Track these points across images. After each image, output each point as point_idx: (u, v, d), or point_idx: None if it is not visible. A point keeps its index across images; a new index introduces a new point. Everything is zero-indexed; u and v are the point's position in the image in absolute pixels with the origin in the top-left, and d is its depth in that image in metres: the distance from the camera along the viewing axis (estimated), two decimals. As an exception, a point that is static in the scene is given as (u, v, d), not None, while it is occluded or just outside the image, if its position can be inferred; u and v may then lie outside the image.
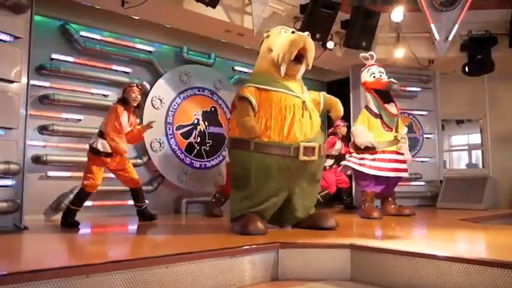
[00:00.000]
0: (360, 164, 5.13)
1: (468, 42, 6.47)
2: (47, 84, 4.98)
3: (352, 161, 5.29)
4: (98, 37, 5.43)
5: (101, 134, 4.23)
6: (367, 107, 5.36)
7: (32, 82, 4.33)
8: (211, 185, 5.98)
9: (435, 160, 7.50)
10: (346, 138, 6.70)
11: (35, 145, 4.81)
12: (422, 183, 7.23)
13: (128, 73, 5.65)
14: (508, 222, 5.22)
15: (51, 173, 4.91)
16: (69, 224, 4.08)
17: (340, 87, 7.83)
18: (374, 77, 5.25)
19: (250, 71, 6.89)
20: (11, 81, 3.87)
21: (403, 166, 5.19)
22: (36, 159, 4.79)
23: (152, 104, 5.77)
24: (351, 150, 5.42)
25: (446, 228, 3.97)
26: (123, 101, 4.33)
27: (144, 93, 4.40)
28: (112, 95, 5.32)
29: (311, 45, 3.66)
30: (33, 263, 2.44)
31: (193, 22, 5.51)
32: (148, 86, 5.77)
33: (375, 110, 5.24)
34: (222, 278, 2.50)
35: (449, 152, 10.04)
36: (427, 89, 7.52)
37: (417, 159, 7.14)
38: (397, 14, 6.28)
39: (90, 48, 5.31)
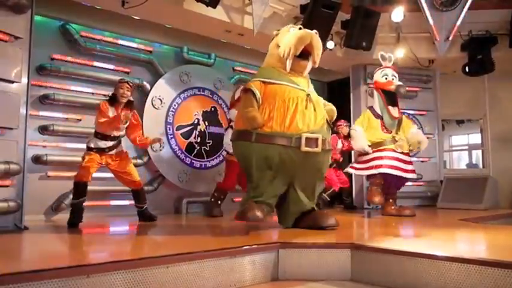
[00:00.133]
0: (376, 166, 5.15)
1: (468, 42, 6.47)
2: (47, 84, 4.99)
3: (358, 168, 5.34)
4: (98, 37, 5.44)
5: (95, 133, 4.28)
6: (371, 107, 5.50)
7: (32, 82, 4.35)
8: (211, 185, 5.97)
9: (435, 160, 7.50)
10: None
11: (35, 145, 4.81)
12: (423, 183, 7.22)
13: (128, 73, 5.65)
14: (509, 222, 5.22)
15: (51, 173, 4.91)
16: (72, 223, 4.06)
17: (340, 87, 7.83)
18: (386, 78, 5.34)
19: (251, 71, 6.94)
20: (11, 81, 3.87)
21: (409, 167, 5.21)
22: (37, 159, 4.79)
23: (152, 104, 5.78)
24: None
25: (447, 229, 3.97)
26: (112, 98, 4.30)
27: (136, 90, 4.32)
28: (112, 95, 5.32)
29: (318, 43, 3.71)
30: (33, 263, 2.44)
31: (194, 22, 5.51)
32: (148, 86, 5.78)
33: (378, 110, 5.36)
34: (223, 278, 2.50)
35: (449, 152, 10.04)
36: (427, 89, 7.51)
37: (417, 159, 7.13)
38: (397, 14, 6.28)
39: (90, 48, 5.31)
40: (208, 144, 6.29)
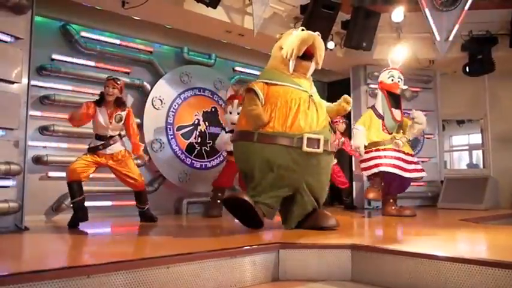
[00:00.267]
0: (376, 165, 5.15)
1: (469, 42, 6.47)
2: (47, 84, 4.99)
3: (366, 167, 5.35)
4: (99, 38, 5.44)
5: (94, 135, 4.30)
6: (373, 107, 5.53)
7: (32, 83, 4.34)
8: (211, 186, 5.97)
9: (436, 160, 7.50)
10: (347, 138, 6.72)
11: (36, 146, 4.81)
12: (423, 183, 7.21)
13: (128, 73, 5.66)
14: (509, 223, 5.21)
15: (51, 174, 4.91)
16: (72, 224, 4.05)
17: (340, 87, 7.81)
18: (392, 80, 5.36)
19: (251, 71, 6.95)
20: (12, 82, 3.87)
21: (411, 167, 5.22)
22: (37, 160, 4.80)
23: (153, 104, 5.78)
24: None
25: (447, 229, 3.97)
26: (100, 99, 4.27)
27: (119, 86, 4.26)
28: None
29: (320, 44, 3.73)
30: (34, 263, 2.44)
31: (194, 22, 5.51)
32: (148, 87, 5.78)
33: (380, 111, 5.38)
34: (223, 279, 2.50)
35: (450, 152, 10.03)
36: (428, 89, 7.51)
37: (418, 159, 7.12)
38: (398, 14, 6.29)
39: (90, 49, 5.31)
40: (208, 145, 6.28)
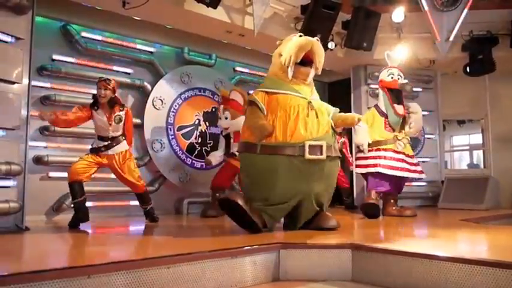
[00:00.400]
0: (374, 165, 5.15)
1: (469, 43, 6.46)
2: (48, 85, 4.99)
3: (363, 165, 5.35)
4: (99, 38, 5.44)
5: (96, 136, 4.30)
6: (376, 106, 5.56)
7: (33, 83, 4.34)
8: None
9: (436, 160, 7.50)
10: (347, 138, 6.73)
11: (36, 146, 4.81)
12: (424, 183, 7.20)
13: (129, 74, 5.66)
14: (510, 223, 5.21)
15: (52, 174, 4.92)
16: (73, 225, 4.05)
17: (341, 87, 7.83)
18: (392, 77, 5.39)
19: (251, 72, 6.95)
20: (13, 82, 3.88)
21: (410, 167, 5.22)
22: (38, 160, 4.80)
23: (153, 104, 5.78)
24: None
25: (448, 229, 3.97)
26: (95, 101, 4.24)
27: (110, 85, 4.22)
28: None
29: (319, 49, 3.69)
30: (34, 263, 2.44)
31: (194, 23, 5.51)
32: (149, 87, 5.79)
33: (383, 109, 5.41)
34: (224, 279, 2.50)
35: (450, 152, 10.03)
36: (428, 89, 7.51)
37: (418, 159, 7.12)
38: (398, 14, 6.29)
39: (91, 49, 5.31)
40: (209, 145, 6.28)
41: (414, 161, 5.39)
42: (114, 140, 4.29)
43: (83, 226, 4.08)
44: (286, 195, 3.54)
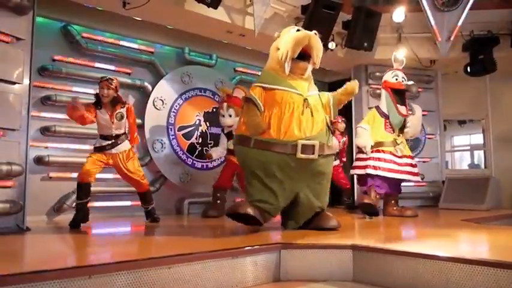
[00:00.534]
0: (374, 167, 5.15)
1: (470, 43, 6.45)
2: (48, 85, 4.99)
3: (355, 166, 5.35)
4: (100, 38, 5.44)
5: (99, 135, 4.28)
6: (377, 107, 5.55)
7: (34, 83, 4.35)
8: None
9: (437, 160, 7.49)
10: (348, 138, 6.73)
11: (37, 146, 4.81)
12: (425, 183, 7.20)
13: (129, 74, 5.66)
14: (511, 223, 5.21)
15: (53, 174, 4.92)
16: (73, 225, 4.04)
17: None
18: (396, 79, 5.39)
19: (252, 72, 6.94)
20: (13, 83, 3.88)
21: (407, 169, 5.22)
22: (38, 160, 4.80)
23: (154, 105, 5.78)
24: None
25: (449, 229, 3.96)
26: (97, 100, 4.24)
27: (112, 85, 4.21)
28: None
29: (317, 43, 3.65)
30: (35, 263, 2.44)
31: (195, 23, 5.52)
32: (150, 87, 5.79)
33: (384, 110, 5.41)
34: (224, 279, 2.50)
35: (451, 152, 10.01)
36: (429, 90, 7.50)
37: (419, 159, 7.12)
38: (399, 14, 6.28)
39: (91, 50, 5.31)
40: (209, 145, 6.28)
41: (412, 161, 5.37)
42: (118, 138, 4.29)
43: (83, 226, 4.08)
44: (279, 191, 3.55)
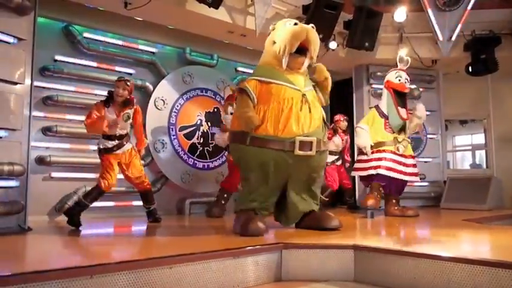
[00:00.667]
0: (375, 167, 5.15)
1: (472, 42, 6.45)
2: (50, 85, 5.00)
3: (357, 168, 5.35)
4: (101, 38, 5.45)
5: (102, 135, 4.26)
6: (376, 107, 5.53)
7: (35, 83, 4.35)
8: (214, 186, 5.98)
9: (439, 160, 7.48)
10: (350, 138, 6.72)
11: (39, 146, 4.82)
12: (426, 183, 7.20)
13: (131, 74, 5.66)
14: (513, 223, 5.20)
15: (54, 174, 4.93)
16: (73, 222, 4.05)
17: (343, 87, 7.80)
18: (399, 80, 5.35)
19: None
20: (15, 83, 3.88)
21: (408, 170, 5.21)
22: (40, 161, 4.81)
23: (155, 105, 5.79)
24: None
25: (450, 229, 3.96)
26: (108, 98, 4.25)
27: (129, 87, 4.24)
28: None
29: (314, 37, 3.60)
30: (37, 263, 2.45)
31: (196, 23, 5.52)
32: (151, 87, 5.79)
33: (384, 110, 5.38)
34: (226, 279, 2.50)
35: (452, 152, 10.01)
36: (431, 89, 7.49)
37: (421, 159, 7.11)
38: (400, 14, 6.27)
39: (93, 50, 5.32)
40: (211, 145, 6.29)
41: (413, 161, 5.36)
42: (123, 139, 4.29)
43: (84, 227, 4.08)
44: (272, 186, 3.57)
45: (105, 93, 5.28)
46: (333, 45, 6.17)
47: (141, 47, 5.81)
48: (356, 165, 5.56)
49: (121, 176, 4.47)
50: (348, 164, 6.60)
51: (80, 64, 5.24)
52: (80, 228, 4.02)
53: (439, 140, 7.54)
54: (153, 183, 5.66)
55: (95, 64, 5.36)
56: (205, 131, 6.29)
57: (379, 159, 5.15)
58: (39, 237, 3.58)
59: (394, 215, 5.20)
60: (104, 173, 4.16)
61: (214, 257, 2.49)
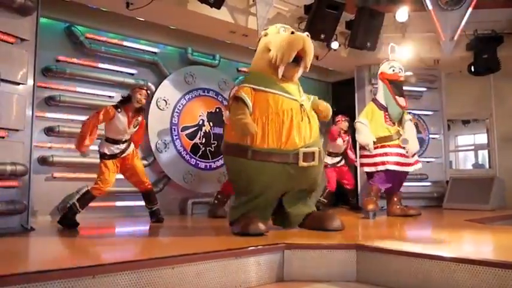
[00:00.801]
0: (382, 163, 5.12)
1: (474, 42, 6.43)
2: (52, 85, 5.01)
3: (364, 163, 5.33)
4: (103, 39, 5.46)
5: (106, 138, 4.26)
6: (374, 99, 5.49)
7: (38, 84, 4.35)
8: (216, 186, 5.98)
9: (441, 160, 7.45)
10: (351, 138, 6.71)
11: (41, 146, 4.83)
12: (428, 183, 7.18)
13: (133, 74, 5.68)
14: (515, 223, 5.18)
15: (57, 174, 4.94)
16: (69, 224, 4.04)
17: (345, 87, 7.81)
18: (393, 70, 5.34)
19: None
20: (18, 83, 3.89)
21: (409, 160, 5.20)
22: (43, 161, 4.82)
23: (157, 105, 5.79)
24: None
25: (453, 229, 3.95)
26: (124, 101, 4.27)
27: (150, 98, 4.35)
28: (117, 97, 5.31)
29: (310, 47, 3.57)
30: (39, 263, 2.46)
31: (198, 23, 5.52)
32: (153, 87, 5.80)
33: (382, 102, 5.34)
34: (228, 279, 2.50)
35: (455, 152, 9.98)
36: (433, 89, 7.47)
37: (423, 159, 7.10)
38: (402, 13, 6.26)
39: (95, 50, 5.33)
40: (213, 145, 6.29)
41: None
42: (128, 144, 4.33)
43: (84, 227, 4.09)
44: (271, 195, 3.57)
45: (108, 93, 5.38)
46: (334, 45, 6.16)
47: (143, 47, 5.82)
48: (361, 160, 5.49)
49: (121, 176, 4.49)
50: (354, 160, 6.53)
51: (82, 64, 5.25)
52: (77, 227, 4.03)
53: (441, 140, 7.52)
54: (155, 184, 5.67)
55: (97, 64, 5.37)
56: (207, 131, 6.30)
57: (385, 154, 5.12)
58: (41, 237, 3.58)
59: (396, 214, 5.19)
60: (99, 176, 4.14)
61: (216, 257, 2.49)
